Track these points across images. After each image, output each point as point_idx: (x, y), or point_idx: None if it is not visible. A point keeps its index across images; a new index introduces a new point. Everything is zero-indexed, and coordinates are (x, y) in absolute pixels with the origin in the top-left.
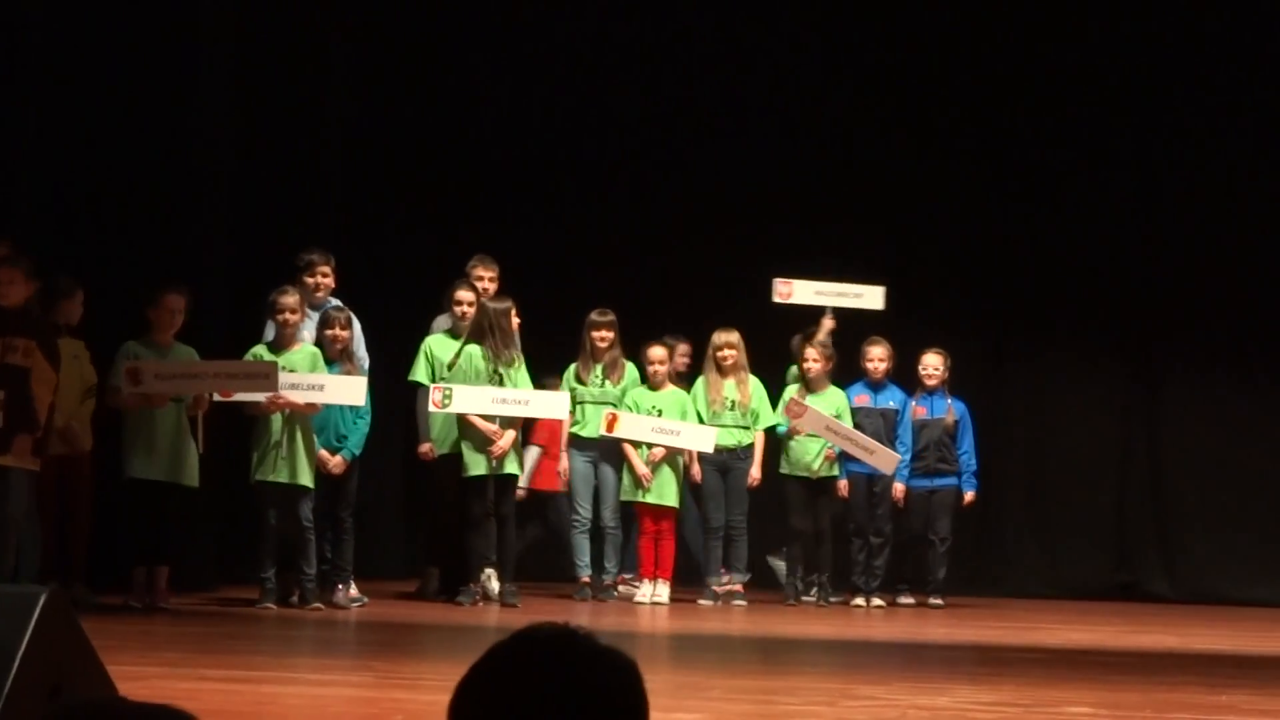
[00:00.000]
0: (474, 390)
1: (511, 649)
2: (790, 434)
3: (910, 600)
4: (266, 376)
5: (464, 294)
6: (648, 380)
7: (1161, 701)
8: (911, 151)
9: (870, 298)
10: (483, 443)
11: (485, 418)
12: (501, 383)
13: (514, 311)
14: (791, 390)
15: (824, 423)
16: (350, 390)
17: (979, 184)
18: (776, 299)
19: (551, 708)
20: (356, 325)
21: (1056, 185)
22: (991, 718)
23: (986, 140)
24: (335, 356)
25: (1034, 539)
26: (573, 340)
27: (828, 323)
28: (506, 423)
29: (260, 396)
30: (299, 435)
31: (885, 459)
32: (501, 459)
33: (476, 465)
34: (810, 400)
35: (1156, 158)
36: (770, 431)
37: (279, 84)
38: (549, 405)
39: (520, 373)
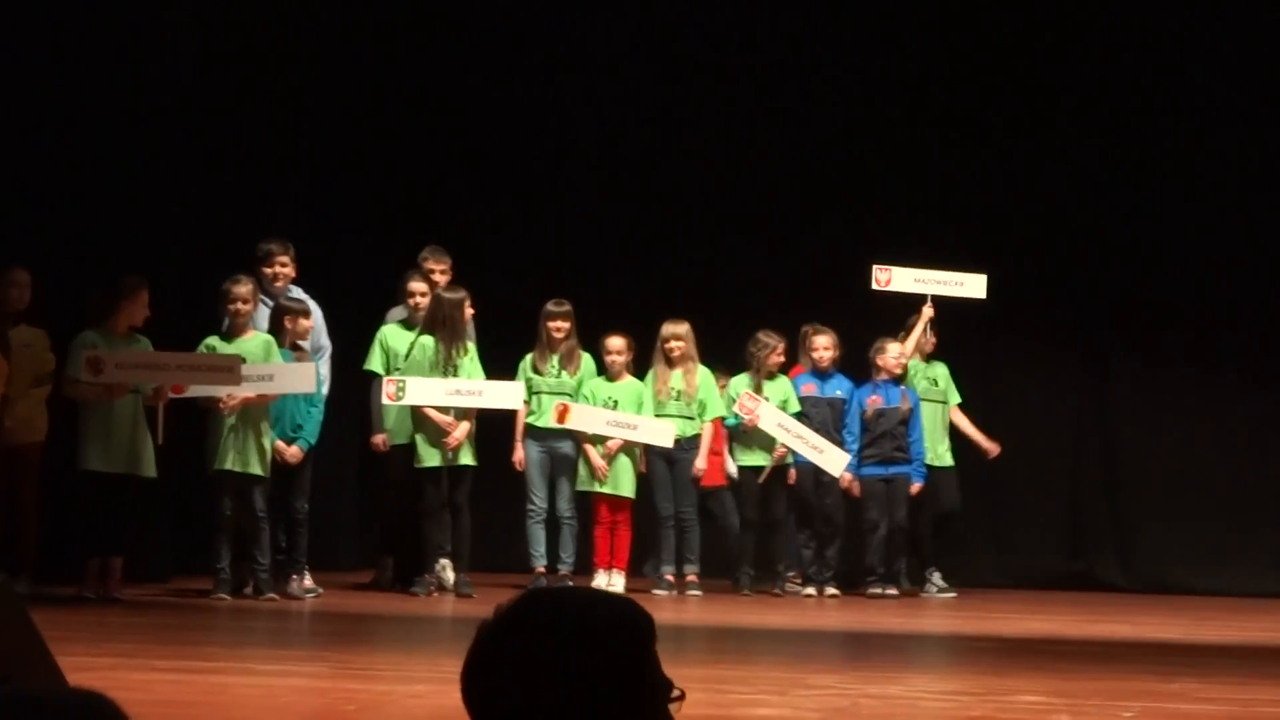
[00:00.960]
0: (428, 382)
1: (519, 606)
2: (744, 428)
3: (895, 591)
4: (230, 370)
5: (417, 285)
6: (605, 371)
7: (1113, 690)
8: (867, 144)
9: (972, 286)
10: (437, 434)
11: (440, 409)
12: (456, 374)
13: (468, 302)
14: (741, 383)
15: (776, 419)
16: (300, 378)
17: (934, 176)
18: (875, 286)
19: (563, 650)
20: (318, 313)
21: (1010, 177)
22: (944, 706)
23: (941, 134)
24: (288, 347)
25: (989, 529)
26: (530, 330)
27: (927, 311)
28: (461, 414)
29: (220, 392)
30: (253, 425)
31: (834, 460)
32: (456, 450)
33: (431, 456)
34: (760, 388)
35: (1107, 153)
36: (719, 422)
37: (238, 72)
38: (503, 396)
39: (473, 363)
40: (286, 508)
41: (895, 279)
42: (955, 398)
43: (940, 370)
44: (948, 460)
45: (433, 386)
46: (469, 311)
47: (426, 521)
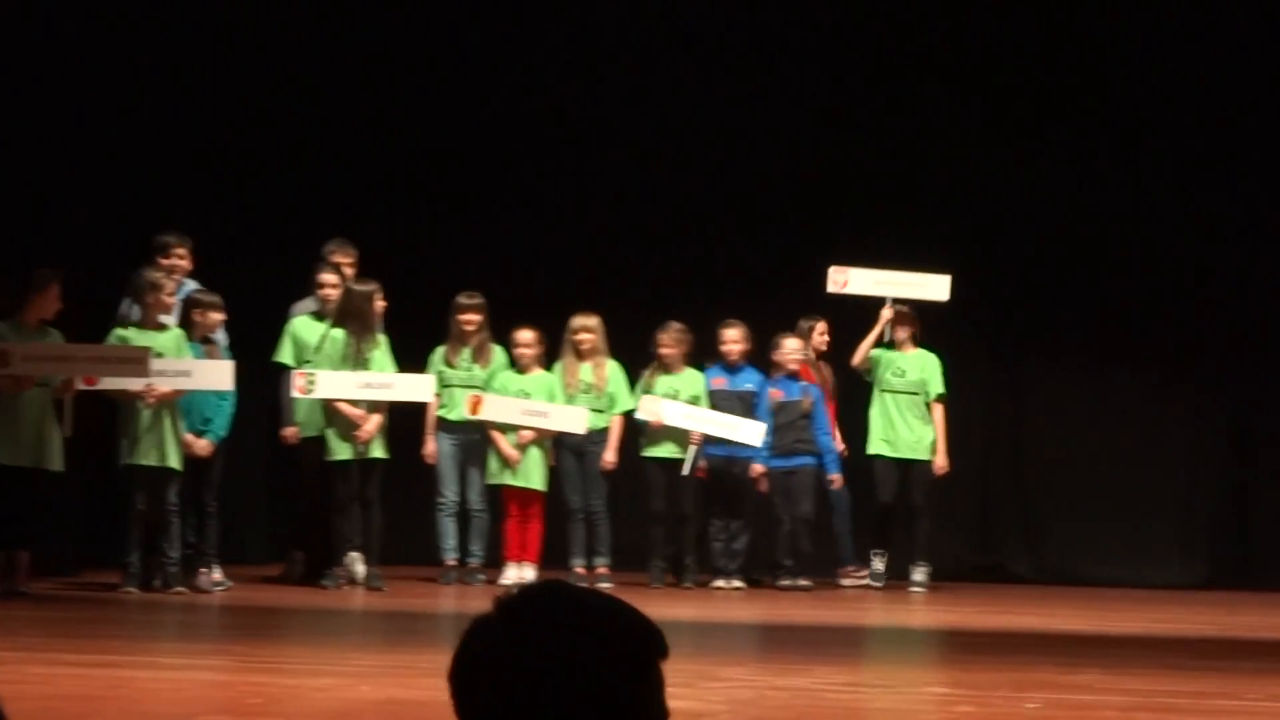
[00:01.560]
0: (338, 375)
1: (513, 605)
2: (654, 428)
3: (808, 583)
4: (139, 362)
5: (327, 276)
6: (515, 364)
7: (1018, 681)
8: (781, 139)
9: (934, 288)
10: (348, 427)
11: (351, 402)
12: (366, 366)
13: (379, 295)
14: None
15: (681, 413)
16: (217, 375)
17: (848, 176)
18: (831, 288)
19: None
20: None
21: (912, 169)
22: (849, 698)
23: (858, 134)
24: (197, 340)
25: (897, 521)
26: (441, 323)
27: (886, 313)
28: (372, 407)
29: (136, 384)
30: (168, 418)
31: (749, 431)
32: (367, 443)
33: (341, 450)
34: (666, 381)
35: (1013, 161)
36: (628, 416)
37: (137, 61)
38: (414, 388)
39: (384, 355)
40: (196, 501)
41: (853, 281)
42: (935, 389)
43: (916, 361)
44: (916, 454)
45: (343, 380)
46: (380, 304)
47: (336, 515)
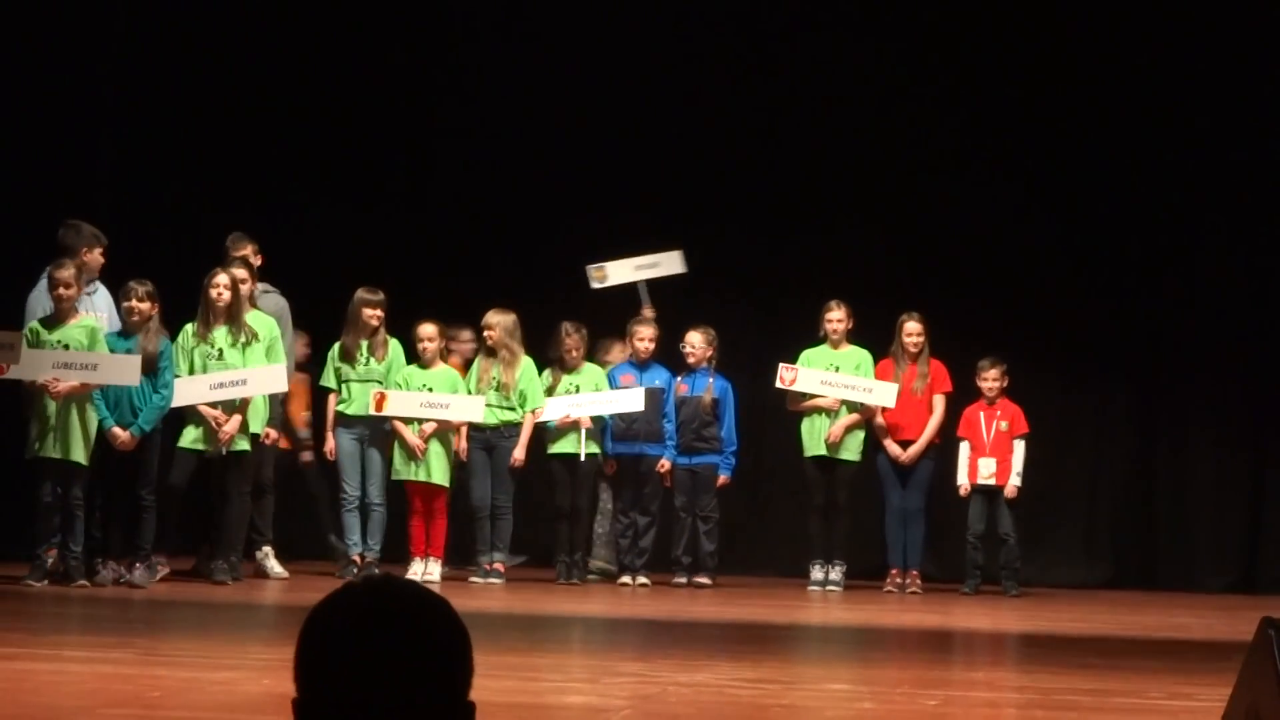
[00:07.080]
0: (191, 380)
1: (336, 600)
2: (559, 427)
3: (707, 580)
4: (9, 348)
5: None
6: (418, 358)
7: (920, 678)
8: (683, 135)
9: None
10: (211, 428)
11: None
12: (221, 357)
13: (225, 283)
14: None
15: (569, 403)
16: (124, 370)
17: (733, 168)
18: (779, 384)
19: (380, 650)
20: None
21: (816, 170)
22: (752, 694)
23: (743, 114)
24: (135, 330)
25: (802, 518)
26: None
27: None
28: (231, 407)
29: (45, 375)
30: (75, 412)
31: (631, 399)
32: (229, 443)
33: (195, 441)
34: (567, 380)
35: (921, 144)
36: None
37: (50, 55)
38: (267, 381)
39: (250, 351)
40: (131, 495)
41: (801, 379)
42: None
43: (850, 358)
44: (844, 454)
45: (196, 384)
46: (244, 290)
47: (227, 509)
